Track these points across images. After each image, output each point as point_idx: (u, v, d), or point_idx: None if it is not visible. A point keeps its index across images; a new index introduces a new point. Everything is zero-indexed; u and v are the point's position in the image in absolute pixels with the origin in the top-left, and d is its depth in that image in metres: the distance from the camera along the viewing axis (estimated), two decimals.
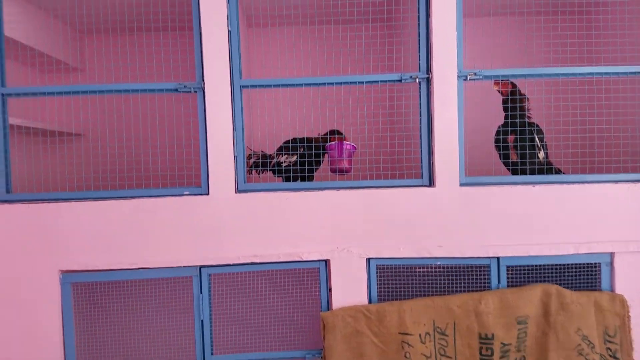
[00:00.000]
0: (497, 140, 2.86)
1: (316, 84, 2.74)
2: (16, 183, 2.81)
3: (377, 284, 2.80)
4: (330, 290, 2.78)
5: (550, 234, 2.72)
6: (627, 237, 2.70)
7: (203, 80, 2.66)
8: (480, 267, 2.81)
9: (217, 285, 2.84)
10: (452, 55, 2.66)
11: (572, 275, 2.79)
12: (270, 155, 3.00)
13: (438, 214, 2.74)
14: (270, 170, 2.98)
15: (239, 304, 2.89)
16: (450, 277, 2.85)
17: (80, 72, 3.33)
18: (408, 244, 2.75)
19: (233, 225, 2.71)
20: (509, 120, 2.79)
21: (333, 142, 2.89)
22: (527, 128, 2.79)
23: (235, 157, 2.71)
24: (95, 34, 3.30)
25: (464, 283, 2.82)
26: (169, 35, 2.93)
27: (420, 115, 2.72)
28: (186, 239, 2.71)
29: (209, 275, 2.77)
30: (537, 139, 2.80)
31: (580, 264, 2.77)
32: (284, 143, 2.96)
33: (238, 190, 2.73)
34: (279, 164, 2.94)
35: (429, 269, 2.89)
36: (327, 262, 2.78)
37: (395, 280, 2.84)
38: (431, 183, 2.75)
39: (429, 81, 2.70)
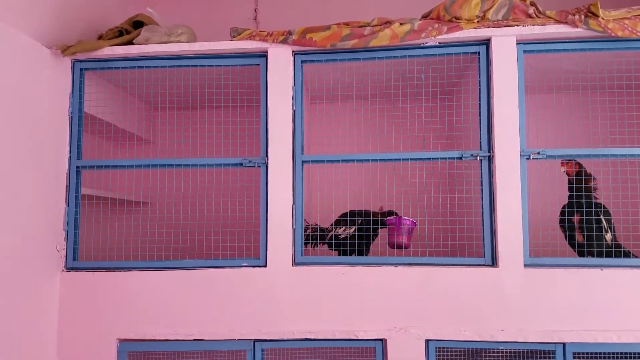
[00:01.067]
0: (562, 221, 2.70)
1: (375, 160, 2.70)
2: (82, 250, 2.84)
3: None
4: None
5: (620, 320, 2.49)
6: None
7: (267, 155, 2.67)
8: (545, 352, 2.58)
9: None
10: (515, 134, 2.58)
11: None
12: (327, 228, 2.94)
13: (501, 296, 2.56)
14: (326, 243, 2.90)
15: None
16: None
17: (151, 143, 3.43)
18: (469, 326, 2.57)
19: (289, 298, 2.62)
20: (574, 201, 2.65)
21: (392, 217, 2.81)
22: (593, 209, 2.64)
23: (294, 230, 2.66)
24: (168, 110, 3.42)
25: None
26: (237, 112, 3.00)
27: (482, 193, 2.62)
28: (242, 312, 2.63)
29: (263, 350, 2.65)
30: (603, 220, 2.64)
31: None
32: (342, 216, 2.89)
33: (295, 263, 2.66)
34: (336, 237, 2.86)
35: (492, 354, 2.68)
36: (383, 342, 2.62)
37: None
38: (494, 263, 2.60)
39: (490, 159, 2.62)
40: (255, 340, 2.64)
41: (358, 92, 2.97)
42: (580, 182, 2.64)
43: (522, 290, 2.55)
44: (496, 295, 2.56)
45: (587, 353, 2.56)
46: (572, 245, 2.71)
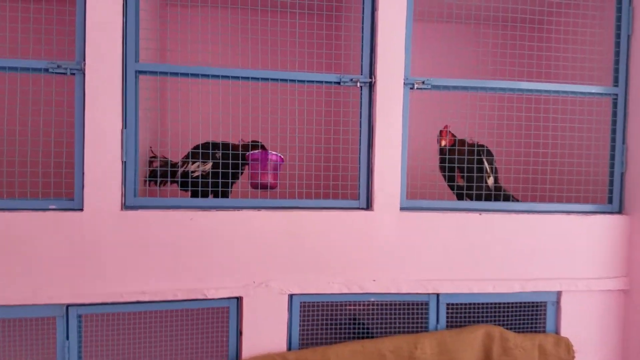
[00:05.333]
0: (442, 161, 2.24)
1: (237, 78, 1.97)
2: None
3: (300, 326, 2.05)
4: (241, 334, 1.99)
5: (495, 269, 2.15)
6: (575, 275, 2.18)
7: (84, 60, 1.80)
8: (417, 304, 2.17)
9: (92, 329, 1.95)
10: (399, 59, 2.02)
11: (516, 315, 2.22)
12: (175, 163, 2.16)
13: (374, 242, 2.07)
14: (176, 182, 2.14)
15: (121, 353, 2.00)
16: (384, 316, 2.17)
17: None
18: (338, 277, 2.05)
19: (115, 251, 1.85)
20: (456, 147, 2.20)
21: (256, 152, 2.13)
22: (475, 149, 2.20)
23: (124, 163, 1.86)
24: None
25: (400, 323, 2.16)
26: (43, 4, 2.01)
27: (360, 126, 2.05)
28: (50, 269, 1.82)
29: (80, 316, 1.87)
30: (486, 162, 2.23)
31: (525, 302, 2.21)
32: (194, 149, 2.11)
33: (125, 207, 1.88)
34: (185, 174, 2.11)
35: (361, 307, 2.21)
36: (239, 300, 1.99)
37: (322, 320, 2.12)
38: (369, 206, 2.08)
39: (371, 87, 2.04)
40: (68, 305, 1.85)
41: None
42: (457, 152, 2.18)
43: (396, 236, 2.09)
44: (369, 241, 2.09)
45: (462, 304, 2.20)
46: (451, 188, 2.28)
